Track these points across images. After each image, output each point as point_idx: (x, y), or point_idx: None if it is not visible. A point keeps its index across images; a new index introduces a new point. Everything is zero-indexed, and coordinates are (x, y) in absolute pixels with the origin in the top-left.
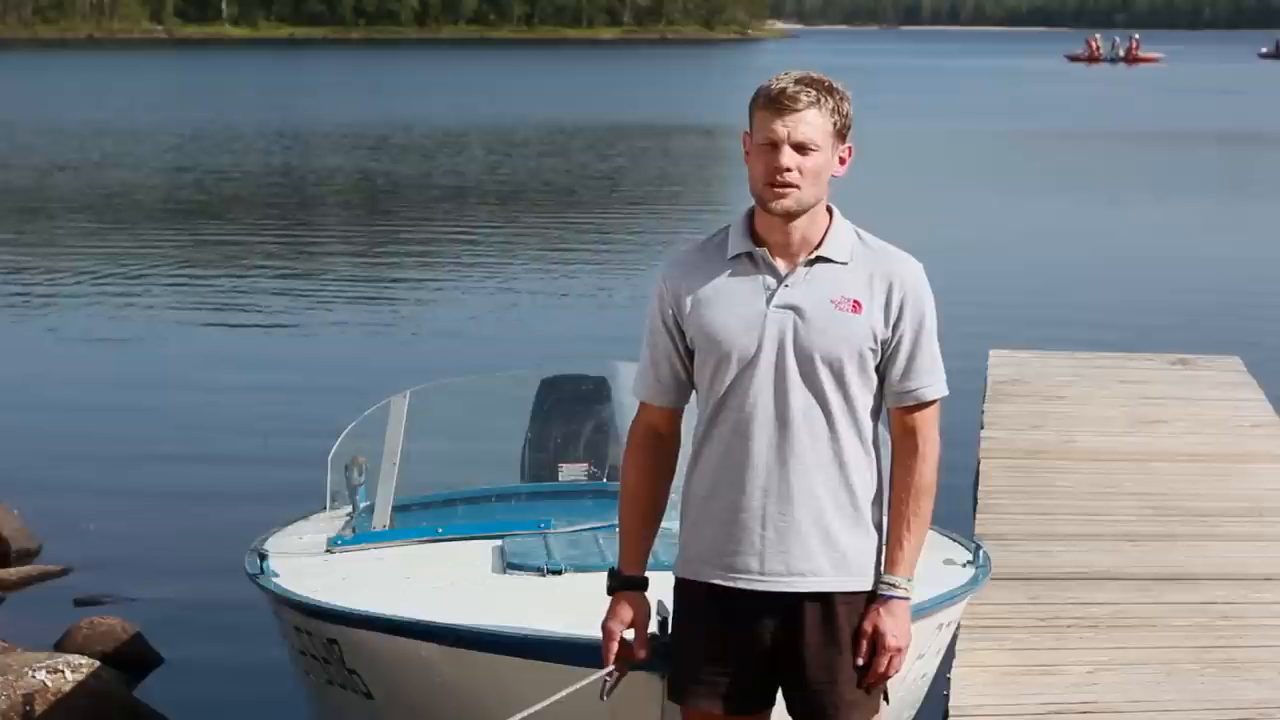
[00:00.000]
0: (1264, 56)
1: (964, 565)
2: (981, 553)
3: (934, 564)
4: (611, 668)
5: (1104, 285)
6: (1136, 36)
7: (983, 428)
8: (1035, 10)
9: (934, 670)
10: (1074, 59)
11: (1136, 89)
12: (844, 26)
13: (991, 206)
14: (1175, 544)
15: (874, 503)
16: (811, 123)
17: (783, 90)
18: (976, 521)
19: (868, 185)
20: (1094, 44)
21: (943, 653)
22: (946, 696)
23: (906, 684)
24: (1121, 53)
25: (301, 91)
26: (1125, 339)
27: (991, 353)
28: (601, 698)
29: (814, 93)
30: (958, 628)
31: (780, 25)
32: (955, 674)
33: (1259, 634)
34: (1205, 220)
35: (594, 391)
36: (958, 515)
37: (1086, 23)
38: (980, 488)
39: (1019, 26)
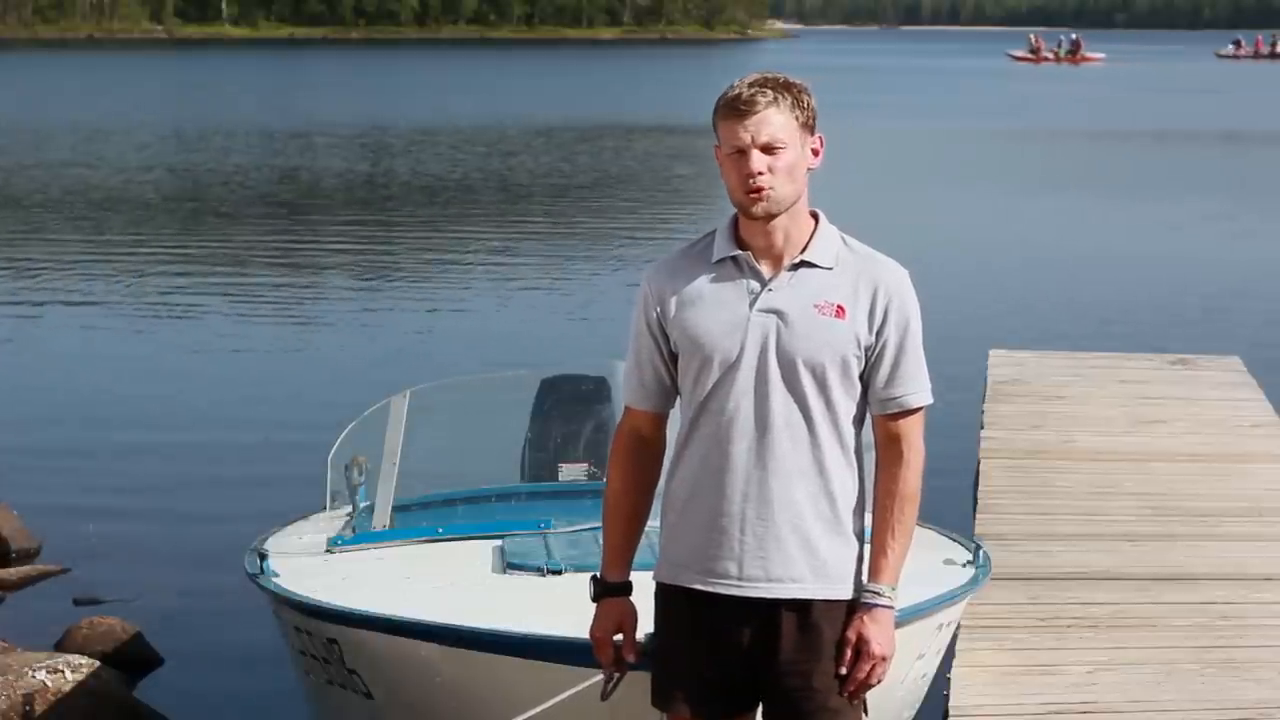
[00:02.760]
0: (1223, 57)
1: (964, 565)
2: (981, 553)
3: (934, 564)
4: (612, 669)
5: (1103, 285)
6: (1075, 36)
7: (983, 428)
8: (1035, 10)
9: (934, 670)
10: (1018, 58)
11: (1112, 88)
12: (844, 26)
13: (990, 206)
14: (1175, 544)
15: (855, 512)
16: (774, 122)
17: (738, 95)
18: (976, 521)
19: (867, 186)
20: (1040, 43)
21: (943, 653)
22: (946, 696)
23: (906, 684)
24: (1065, 52)
25: (301, 91)
26: (1125, 339)
27: (991, 353)
28: (602, 699)
29: (770, 92)
30: (958, 628)
31: (780, 25)
32: (955, 674)
33: (1259, 634)
34: (1204, 220)
35: (594, 391)
36: (958, 515)
37: (1087, 22)
38: (980, 488)
39: (1019, 26)
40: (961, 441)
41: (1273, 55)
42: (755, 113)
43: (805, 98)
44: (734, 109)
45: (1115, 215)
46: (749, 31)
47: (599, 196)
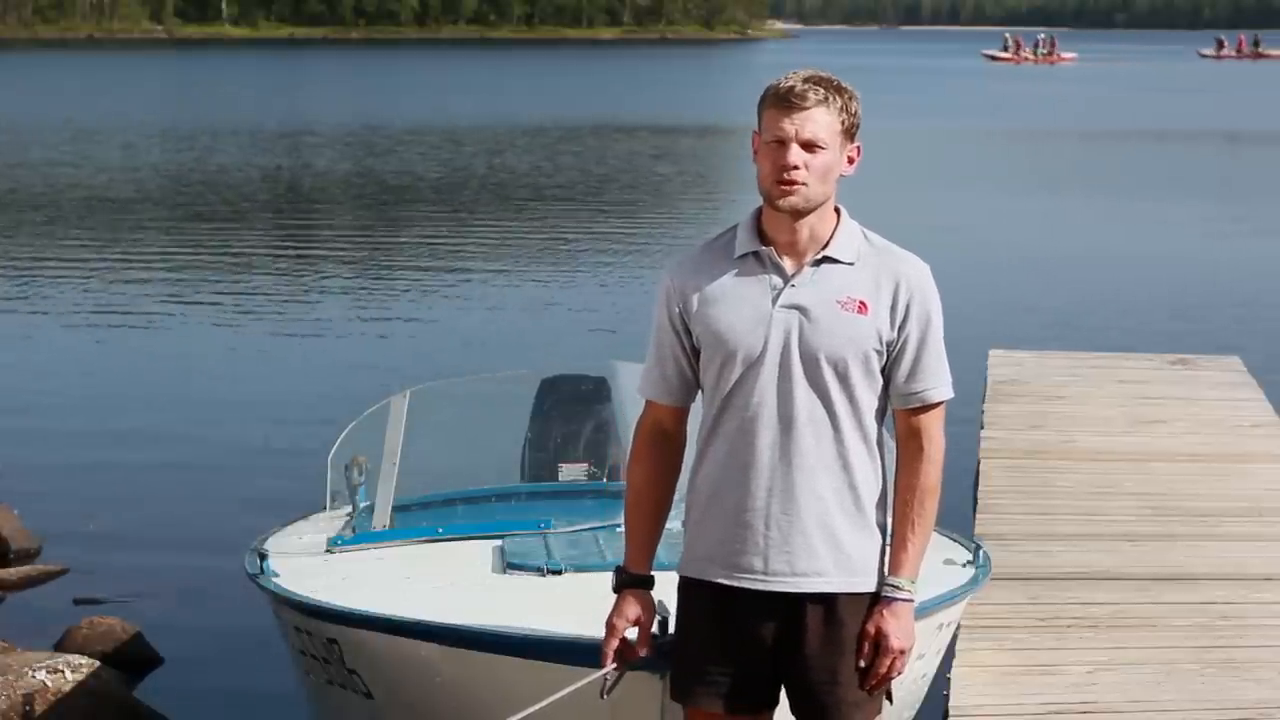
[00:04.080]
0: (1205, 56)
1: (964, 565)
2: (981, 553)
3: (934, 564)
4: (612, 666)
5: (1103, 285)
6: (1043, 36)
7: (983, 428)
8: (1035, 10)
9: (934, 670)
10: (993, 58)
11: (1088, 88)
12: (844, 26)
13: (989, 206)
14: (1175, 544)
15: (878, 504)
16: (819, 121)
17: (791, 88)
18: (976, 521)
19: (864, 186)
20: (1020, 42)
21: (943, 653)
22: (946, 696)
23: (906, 684)
24: (1044, 52)
25: (301, 91)
26: (1125, 339)
27: (991, 353)
28: (601, 696)
29: (822, 91)
30: (958, 628)
31: (780, 25)
32: (955, 674)
33: (1259, 634)
34: (1204, 220)
35: (594, 391)
36: (958, 515)
37: (1086, 22)
38: (980, 488)
39: (1019, 26)
40: (961, 441)
41: (1255, 55)
42: (804, 108)
43: (853, 104)
44: (785, 101)
45: (1115, 215)
46: (749, 31)
47: (600, 196)
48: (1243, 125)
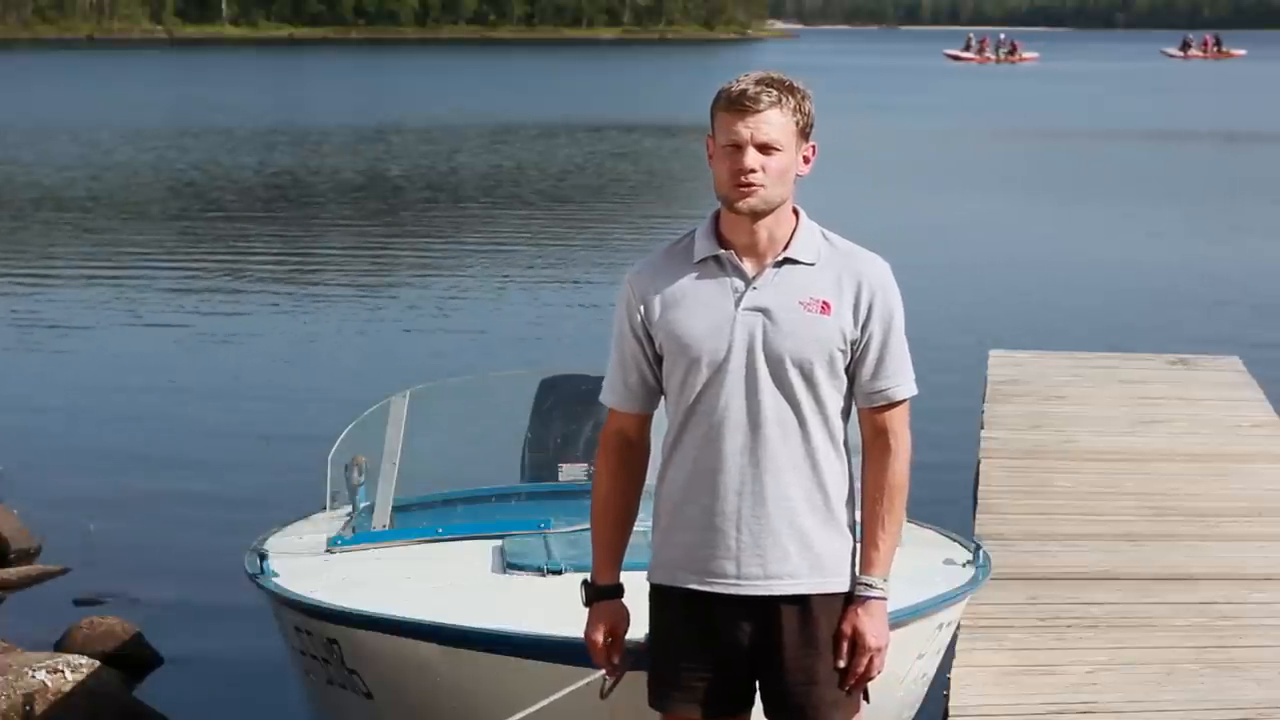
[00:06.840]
0: (1170, 56)
1: (964, 565)
2: (981, 553)
3: (934, 564)
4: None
5: (1103, 285)
6: (1003, 35)
7: (983, 428)
8: (1036, 10)
9: (934, 670)
10: (956, 58)
11: (1061, 85)
12: (844, 26)
13: (990, 207)
14: (1175, 544)
15: (847, 503)
16: (774, 123)
17: (743, 92)
18: (976, 521)
19: (864, 186)
20: (986, 42)
21: (943, 653)
22: (946, 696)
23: (906, 684)
24: (1005, 51)
25: (301, 91)
26: (1124, 339)
27: (991, 353)
28: (601, 697)
29: (775, 93)
30: (958, 628)
31: (780, 25)
32: (955, 674)
33: (1259, 634)
34: (1205, 220)
35: (594, 391)
36: (958, 515)
37: (1085, 22)
38: (980, 488)
39: (1019, 26)
40: (961, 442)
41: (1219, 54)
42: (758, 111)
43: (806, 104)
44: (738, 104)
45: (1114, 215)
46: (749, 31)
47: (600, 196)
48: (1239, 125)
